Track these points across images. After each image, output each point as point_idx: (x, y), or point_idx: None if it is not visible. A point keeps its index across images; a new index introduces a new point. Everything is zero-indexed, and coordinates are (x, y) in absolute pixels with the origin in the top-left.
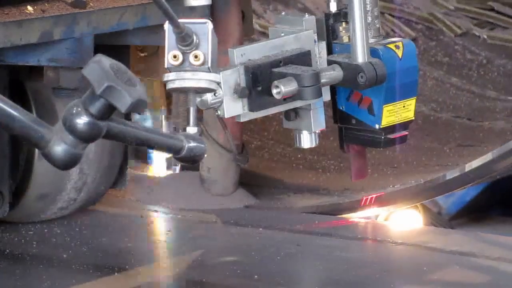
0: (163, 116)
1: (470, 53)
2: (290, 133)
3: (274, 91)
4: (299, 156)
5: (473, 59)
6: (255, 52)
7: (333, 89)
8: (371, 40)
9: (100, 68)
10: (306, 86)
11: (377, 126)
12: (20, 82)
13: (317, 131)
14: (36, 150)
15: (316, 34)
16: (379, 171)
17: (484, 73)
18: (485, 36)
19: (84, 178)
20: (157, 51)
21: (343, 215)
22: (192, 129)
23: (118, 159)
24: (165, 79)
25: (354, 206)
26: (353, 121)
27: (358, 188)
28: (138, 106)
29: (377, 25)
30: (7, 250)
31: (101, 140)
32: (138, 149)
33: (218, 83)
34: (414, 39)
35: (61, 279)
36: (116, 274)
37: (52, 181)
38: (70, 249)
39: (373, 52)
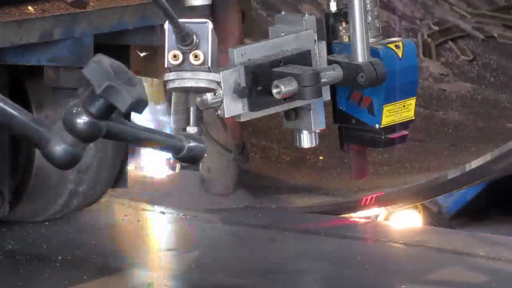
0: None
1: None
2: None
3: (274, 90)
4: (252, 141)
5: None
6: (255, 51)
7: (333, 89)
8: (371, 40)
9: (100, 67)
10: (306, 86)
11: (377, 126)
12: (20, 82)
13: (317, 131)
14: (36, 150)
15: (316, 34)
16: (330, 169)
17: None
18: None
19: (83, 178)
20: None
21: (343, 215)
22: (192, 129)
23: (118, 159)
24: (165, 78)
25: (354, 206)
26: (353, 121)
27: (303, 188)
28: (138, 106)
29: (377, 25)
30: (7, 250)
31: (101, 140)
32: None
33: (218, 83)
34: None
35: (60, 279)
36: (114, 274)
37: (51, 181)
38: (68, 249)
39: (373, 52)
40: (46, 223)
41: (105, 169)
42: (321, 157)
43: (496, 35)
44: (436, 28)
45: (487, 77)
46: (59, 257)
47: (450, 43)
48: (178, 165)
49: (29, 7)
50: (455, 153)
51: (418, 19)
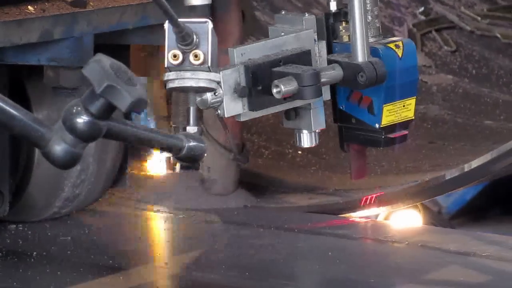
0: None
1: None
2: None
3: (274, 90)
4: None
5: None
6: (255, 51)
7: (333, 89)
8: (371, 40)
9: (100, 67)
10: (306, 86)
11: (377, 126)
12: (20, 81)
13: (317, 131)
14: (36, 150)
15: (316, 34)
16: (308, 165)
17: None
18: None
19: (83, 178)
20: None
21: (343, 215)
22: (192, 129)
23: (118, 159)
24: (165, 78)
25: (354, 206)
26: (353, 121)
27: (301, 187)
28: (138, 106)
29: (377, 25)
30: (7, 249)
31: (101, 140)
32: (138, 148)
33: (218, 83)
34: None
35: (60, 278)
36: (115, 274)
37: (51, 180)
38: (69, 249)
39: (373, 52)
40: (45, 222)
41: (105, 168)
42: (299, 152)
43: (498, 34)
44: (423, 17)
45: (469, 69)
46: (34, 253)
47: (434, 33)
48: (178, 165)
49: (29, 7)
50: (432, 152)
51: (403, 7)
